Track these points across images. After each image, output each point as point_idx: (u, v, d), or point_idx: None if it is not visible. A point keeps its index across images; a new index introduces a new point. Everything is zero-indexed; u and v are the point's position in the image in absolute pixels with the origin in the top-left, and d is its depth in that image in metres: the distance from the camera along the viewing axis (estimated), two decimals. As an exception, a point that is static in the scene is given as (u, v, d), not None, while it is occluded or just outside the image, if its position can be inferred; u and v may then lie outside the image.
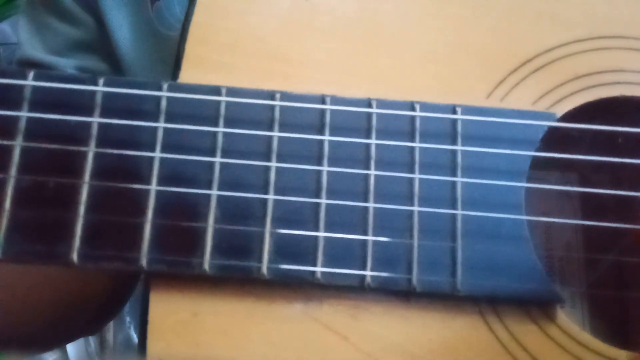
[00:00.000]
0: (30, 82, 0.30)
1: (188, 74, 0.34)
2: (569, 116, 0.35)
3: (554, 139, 0.34)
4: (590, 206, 0.39)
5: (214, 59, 0.34)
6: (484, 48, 0.36)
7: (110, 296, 0.50)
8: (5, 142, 0.30)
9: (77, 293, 0.46)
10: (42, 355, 1.03)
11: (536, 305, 0.32)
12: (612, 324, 0.39)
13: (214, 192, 0.31)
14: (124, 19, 0.52)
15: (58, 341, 0.58)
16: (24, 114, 0.30)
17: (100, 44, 0.53)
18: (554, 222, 0.39)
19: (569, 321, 0.32)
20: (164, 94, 0.31)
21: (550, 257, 0.40)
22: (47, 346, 0.61)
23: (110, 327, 1.00)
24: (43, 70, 0.32)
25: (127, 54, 0.52)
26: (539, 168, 0.35)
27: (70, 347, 1.03)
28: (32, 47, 0.53)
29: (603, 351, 0.32)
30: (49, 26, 0.53)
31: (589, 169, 0.40)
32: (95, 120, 0.30)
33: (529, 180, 0.33)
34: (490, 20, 0.36)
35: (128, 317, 1.00)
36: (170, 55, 0.35)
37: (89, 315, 0.51)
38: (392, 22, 0.36)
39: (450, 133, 0.33)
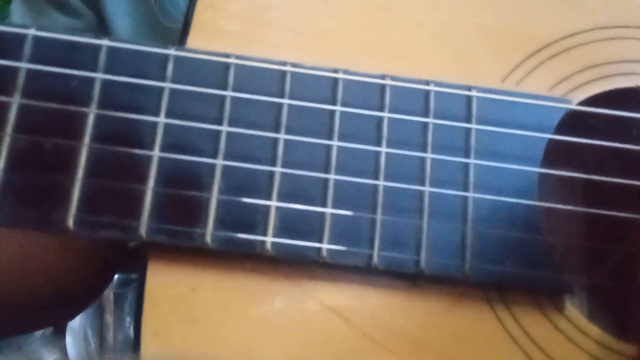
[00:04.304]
0: (31, 31, 0.29)
1: (196, 41, 0.33)
2: (584, 105, 0.34)
3: (566, 128, 0.34)
4: (594, 199, 0.39)
5: (222, 27, 0.33)
6: (501, 30, 0.35)
7: (91, 282, 0.49)
8: (1, 98, 0.28)
9: (69, 266, 0.45)
10: (43, 355, 1.01)
11: (545, 294, 0.31)
12: (613, 315, 0.38)
13: (219, 162, 0.29)
14: (125, 12, 0.51)
15: (48, 319, 0.57)
16: (23, 64, 0.28)
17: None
18: (562, 212, 0.38)
19: (577, 312, 0.32)
20: (172, 52, 0.30)
21: (559, 247, 0.39)
22: (36, 324, 0.59)
23: (110, 327, 0.99)
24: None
25: None
26: (547, 160, 0.34)
27: (70, 347, 1.01)
28: None
29: (610, 344, 0.32)
30: (45, 14, 0.52)
31: (595, 164, 0.40)
32: (98, 76, 0.29)
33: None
34: (510, 2, 0.35)
35: (128, 317, 0.99)
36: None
37: (80, 287, 0.49)
38: (409, -1, 0.35)
39: (464, 114, 0.32)
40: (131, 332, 1.00)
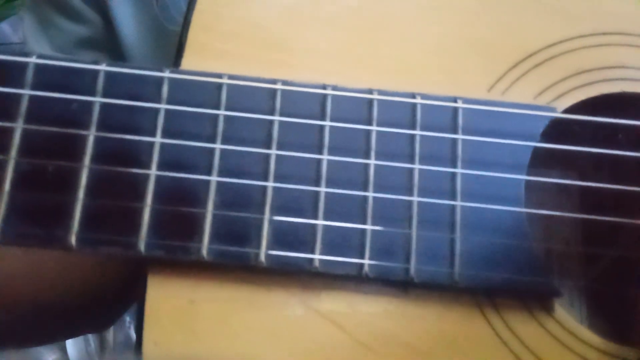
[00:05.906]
0: (33, 59, 0.30)
1: (190, 61, 0.34)
2: (570, 111, 0.35)
3: (554, 134, 0.34)
4: (589, 204, 0.39)
5: (216, 47, 0.34)
6: (487, 41, 0.36)
7: (124, 291, 0.50)
8: (6, 124, 0.30)
9: (95, 284, 0.46)
10: (43, 355, 1.03)
11: (533, 298, 0.32)
12: (610, 319, 0.39)
13: (214, 179, 0.31)
14: (129, 15, 0.52)
15: (68, 332, 0.58)
16: (26, 91, 0.30)
17: (106, 41, 0.53)
18: (553, 218, 0.39)
19: (567, 315, 0.32)
20: (166, 74, 0.31)
21: (549, 252, 0.40)
22: (56, 337, 0.61)
23: (110, 327, 1.00)
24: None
25: (132, 50, 0.52)
26: (538, 165, 0.35)
27: (70, 347, 1.03)
28: (37, 44, 0.53)
29: (599, 346, 0.32)
30: (54, 24, 0.54)
31: (589, 167, 0.40)
32: (97, 100, 0.30)
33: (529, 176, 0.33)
34: (494, 13, 0.36)
35: (128, 317, 1.00)
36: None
37: (104, 307, 0.50)
38: (396, 13, 0.36)
39: (450, 125, 0.33)
40: (131, 331, 1.01)
